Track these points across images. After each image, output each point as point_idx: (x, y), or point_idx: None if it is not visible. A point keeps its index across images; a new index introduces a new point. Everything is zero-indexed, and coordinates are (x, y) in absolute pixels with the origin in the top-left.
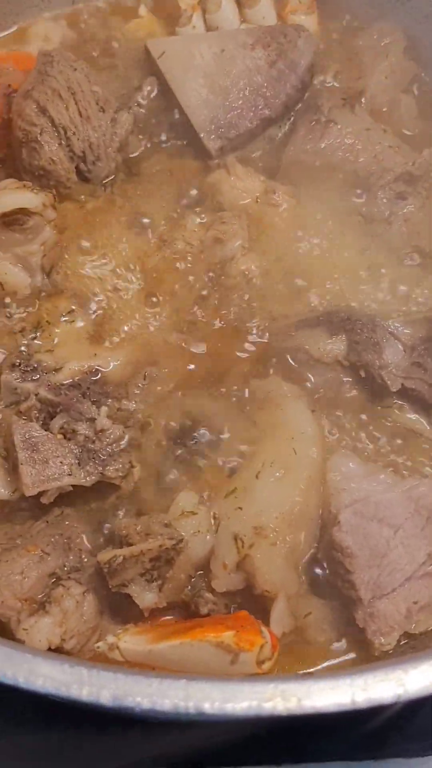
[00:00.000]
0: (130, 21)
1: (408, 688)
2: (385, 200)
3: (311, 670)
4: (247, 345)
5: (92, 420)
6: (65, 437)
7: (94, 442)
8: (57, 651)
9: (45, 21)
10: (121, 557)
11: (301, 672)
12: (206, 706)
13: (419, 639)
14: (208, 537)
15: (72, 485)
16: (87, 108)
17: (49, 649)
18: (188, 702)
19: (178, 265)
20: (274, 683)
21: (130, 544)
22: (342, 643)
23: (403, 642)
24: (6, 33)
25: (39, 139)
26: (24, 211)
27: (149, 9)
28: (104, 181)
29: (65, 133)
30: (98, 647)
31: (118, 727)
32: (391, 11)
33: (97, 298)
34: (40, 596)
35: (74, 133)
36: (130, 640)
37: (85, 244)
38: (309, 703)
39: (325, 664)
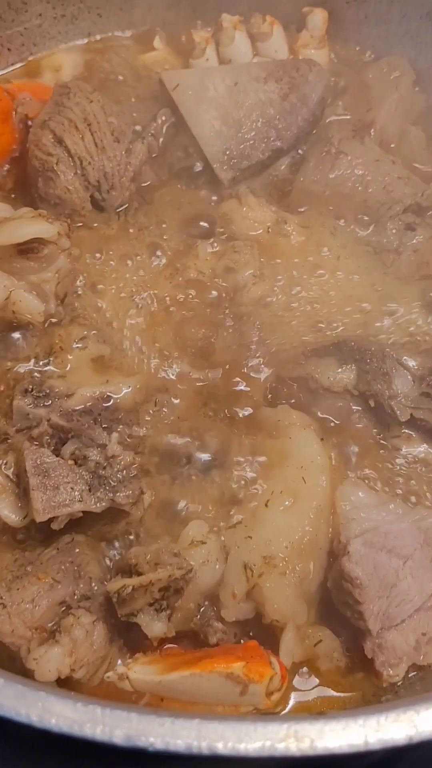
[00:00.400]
0: (146, 53)
1: (420, 729)
2: (394, 231)
3: (318, 695)
4: (257, 373)
5: (103, 446)
6: (76, 463)
7: (104, 468)
8: (67, 680)
9: (61, 52)
10: (131, 587)
11: (314, 712)
12: (219, 746)
13: (428, 670)
14: (217, 566)
15: (82, 511)
16: (102, 139)
17: (59, 679)
18: (201, 742)
19: (190, 293)
20: (287, 724)
21: (140, 573)
22: (351, 673)
23: (411, 673)
24: (23, 63)
25: (55, 168)
26: (39, 240)
27: (164, 41)
28: (118, 210)
29: (81, 162)
30: (108, 677)
31: (132, 765)
32: (399, 45)
33: (109, 325)
34: (50, 625)
35: (89, 163)
36: (140, 671)
37: (99, 271)
38: (322, 744)
39: (335, 695)
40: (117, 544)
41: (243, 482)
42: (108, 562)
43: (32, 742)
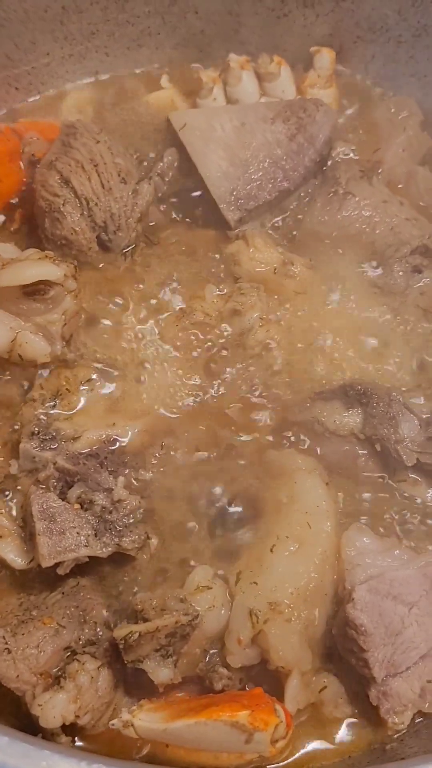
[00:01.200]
0: (153, 92)
1: None
2: (401, 273)
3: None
4: (263, 416)
5: (109, 490)
6: (82, 507)
7: (111, 512)
8: (71, 726)
9: (68, 91)
10: (137, 634)
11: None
12: None
13: None
14: (222, 611)
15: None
16: (109, 180)
17: (63, 725)
18: None
19: (196, 335)
20: None
21: (146, 620)
22: (356, 720)
23: (417, 720)
24: (30, 102)
25: (62, 209)
26: (45, 282)
27: (171, 81)
28: (124, 251)
29: (87, 204)
30: (113, 725)
31: None
32: (407, 85)
33: (115, 367)
34: (54, 670)
35: (96, 204)
36: (145, 718)
37: (105, 313)
38: None
39: (340, 742)
40: (122, 589)
41: (248, 527)
42: (113, 607)
43: None
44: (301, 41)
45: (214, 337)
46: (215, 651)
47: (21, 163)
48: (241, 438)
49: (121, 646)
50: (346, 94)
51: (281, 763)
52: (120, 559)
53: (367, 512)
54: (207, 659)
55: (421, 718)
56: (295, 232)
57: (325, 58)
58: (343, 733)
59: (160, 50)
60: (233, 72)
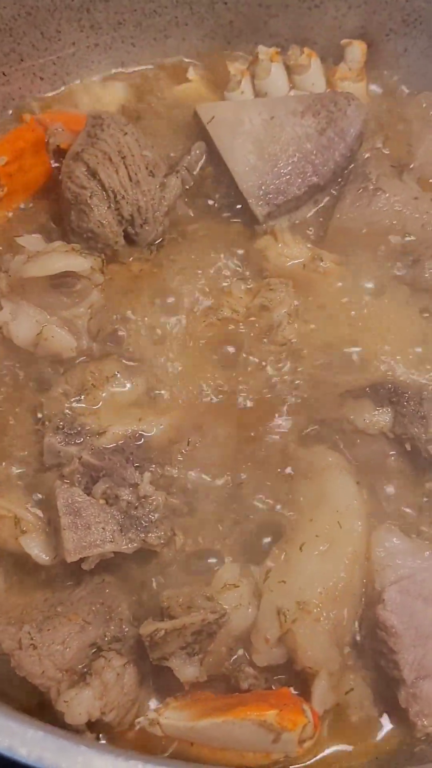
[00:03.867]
0: (179, 84)
1: None
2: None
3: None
4: (292, 414)
5: (135, 486)
6: (107, 503)
7: (136, 508)
8: (96, 723)
9: (94, 82)
10: (163, 631)
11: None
12: None
13: None
14: (249, 610)
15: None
16: (137, 172)
17: (89, 722)
18: None
19: (224, 331)
20: None
21: (172, 617)
22: (383, 722)
23: None
24: (55, 93)
25: (89, 201)
26: (72, 275)
27: (198, 73)
28: (151, 245)
29: (115, 196)
30: (139, 723)
31: None
32: None
33: (141, 362)
34: (80, 667)
35: (123, 197)
36: (172, 716)
37: (131, 307)
38: None
39: (366, 744)
40: (147, 585)
41: (277, 525)
42: (138, 603)
43: None
44: (331, 33)
45: (242, 333)
46: (241, 650)
47: (46, 155)
48: (270, 435)
49: (147, 644)
50: (376, 87)
51: (307, 763)
52: (145, 555)
53: (396, 512)
54: (233, 658)
55: None
56: (324, 228)
57: (356, 50)
58: (369, 735)
59: (188, 41)
60: (262, 64)
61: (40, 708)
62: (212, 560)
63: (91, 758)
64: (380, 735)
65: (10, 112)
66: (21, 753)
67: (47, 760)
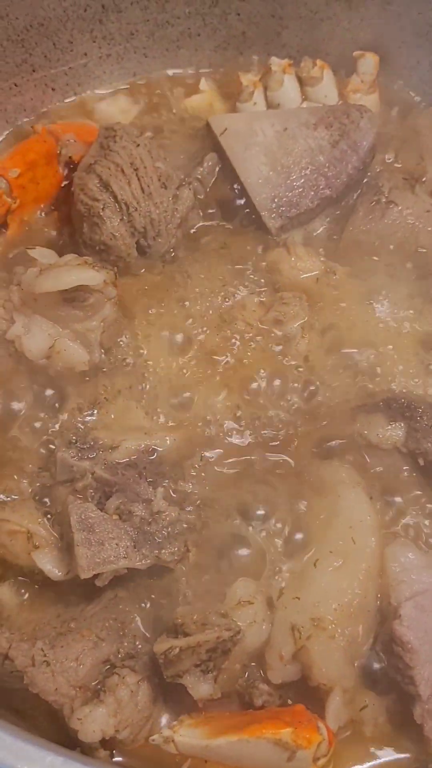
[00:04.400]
0: (192, 95)
1: None
2: None
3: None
4: (304, 428)
5: (148, 501)
6: (121, 518)
7: (150, 524)
8: (110, 740)
9: (106, 93)
10: (178, 649)
11: None
12: None
13: None
14: (264, 627)
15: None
16: (150, 184)
17: (102, 740)
18: None
19: (237, 344)
20: None
21: (186, 634)
22: (397, 739)
23: None
24: (66, 103)
25: (101, 214)
26: (85, 288)
27: (210, 84)
28: (164, 257)
29: (127, 209)
30: (153, 740)
31: None
32: None
33: (155, 376)
34: (93, 683)
35: (136, 209)
36: (186, 734)
37: (144, 320)
38: None
39: (380, 761)
40: (161, 602)
41: (290, 541)
42: (152, 620)
43: None
44: (344, 45)
45: (255, 347)
46: (255, 666)
47: (58, 166)
48: (282, 450)
49: (161, 661)
50: (388, 99)
51: None
52: (159, 571)
53: (410, 527)
54: (247, 675)
55: None
56: (337, 241)
57: (368, 62)
58: (384, 752)
59: (200, 52)
60: (275, 76)
61: (54, 725)
62: (226, 577)
63: None
64: (395, 752)
65: (23, 122)
66: None
67: None
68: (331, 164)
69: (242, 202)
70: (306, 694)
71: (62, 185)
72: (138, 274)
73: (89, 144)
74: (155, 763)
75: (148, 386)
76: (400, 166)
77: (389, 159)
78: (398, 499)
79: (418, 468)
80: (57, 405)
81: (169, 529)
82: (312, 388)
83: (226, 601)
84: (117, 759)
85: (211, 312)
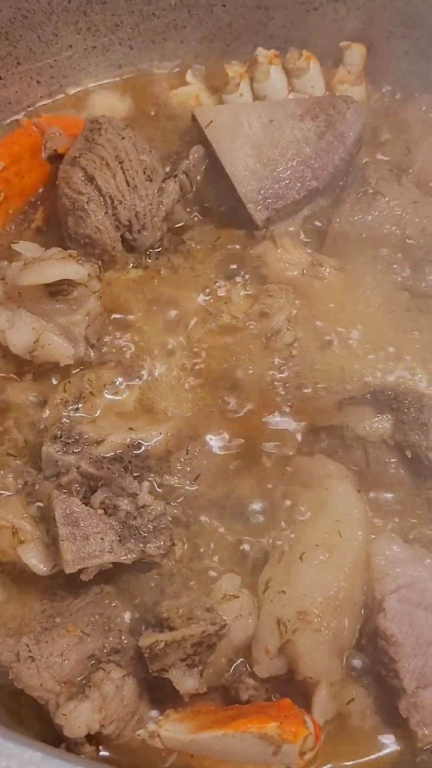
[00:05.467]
0: (178, 88)
1: None
2: None
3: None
4: (291, 421)
5: (134, 495)
6: (106, 513)
7: (135, 518)
8: (95, 735)
9: (92, 86)
10: (163, 643)
11: None
12: None
13: None
14: (250, 621)
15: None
16: (134, 177)
17: (87, 735)
18: None
19: (222, 338)
20: None
21: (172, 628)
22: (384, 732)
23: None
24: (51, 96)
25: (86, 207)
26: (69, 282)
27: (197, 76)
28: (149, 250)
29: (112, 202)
30: (139, 735)
31: None
32: None
33: (140, 370)
34: (79, 678)
35: (121, 202)
36: (171, 729)
37: (129, 314)
38: None
39: (368, 755)
40: (147, 596)
41: (277, 534)
42: (138, 614)
43: None
44: (331, 36)
45: (241, 340)
46: (241, 661)
47: (43, 159)
48: (269, 443)
49: (146, 655)
50: (375, 90)
51: None
52: (145, 565)
53: (396, 520)
54: (233, 669)
55: None
56: (323, 233)
57: (355, 53)
58: (370, 745)
59: (186, 44)
60: (261, 67)
61: (39, 720)
62: (212, 571)
63: None
64: (381, 745)
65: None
66: None
67: None
68: (317, 156)
69: (228, 194)
70: (293, 688)
71: (48, 179)
72: (123, 268)
73: (75, 137)
74: (141, 758)
75: (132, 380)
76: (387, 158)
77: (376, 150)
78: (385, 492)
79: (405, 460)
80: (42, 399)
81: (155, 523)
82: (298, 380)
83: (211, 596)
84: (103, 754)
85: (197, 305)
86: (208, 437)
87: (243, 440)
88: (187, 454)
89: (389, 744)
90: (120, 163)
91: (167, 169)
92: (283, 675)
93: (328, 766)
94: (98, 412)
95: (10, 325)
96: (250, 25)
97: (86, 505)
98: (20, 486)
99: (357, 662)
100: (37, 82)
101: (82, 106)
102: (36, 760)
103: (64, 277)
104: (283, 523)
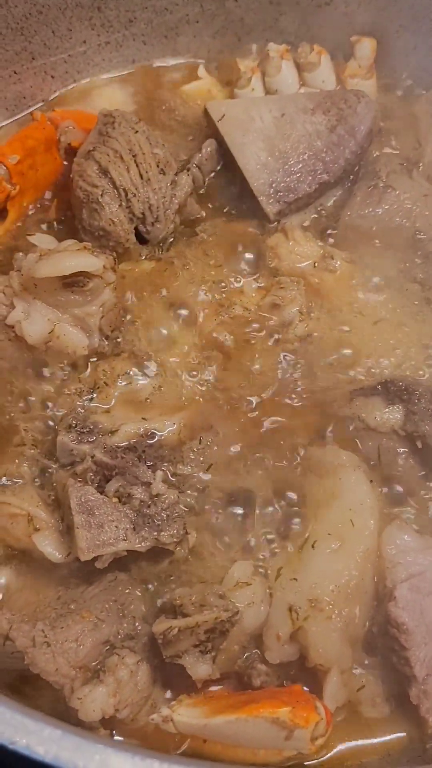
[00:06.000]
0: (190, 82)
1: None
2: None
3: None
4: (303, 412)
5: (148, 484)
6: (120, 501)
7: (149, 506)
8: (109, 720)
9: (105, 80)
10: (177, 629)
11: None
12: None
13: None
14: (262, 608)
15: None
16: (148, 170)
17: (102, 719)
18: None
19: (235, 329)
20: None
21: (185, 615)
22: (394, 719)
23: None
24: (65, 90)
25: (100, 200)
26: (84, 274)
27: (209, 71)
28: (163, 243)
29: (126, 194)
30: (152, 719)
31: None
32: None
33: (154, 361)
34: (93, 664)
35: (135, 195)
36: (185, 713)
37: (143, 305)
38: None
39: (378, 741)
40: (160, 584)
41: (289, 523)
42: (151, 601)
43: None
44: (341, 30)
45: (253, 332)
46: (253, 647)
47: (57, 153)
48: (281, 434)
49: (160, 641)
50: (385, 84)
51: (319, 760)
52: (158, 553)
53: (407, 509)
54: (245, 655)
55: None
56: (335, 226)
57: (366, 47)
58: (381, 732)
59: (198, 39)
60: (272, 61)
61: (55, 706)
62: (224, 558)
63: (108, 756)
64: (392, 732)
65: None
66: (38, 751)
67: (64, 759)
68: (328, 149)
69: (240, 187)
70: (304, 674)
71: (62, 172)
72: (137, 260)
73: (88, 131)
74: (155, 742)
75: (147, 371)
76: (397, 151)
77: (386, 144)
78: (396, 482)
79: (416, 450)
80: (57, 390)
81: (168, 511)
82: (310, 371)
83: (224, 583)
84: (117, 739)
85: (209, 297)
86: (220, 427)
87: (255, 430)
88: (200, 443)
89: (399, 731)
90: (134, 156)
91: (180, 162)
92: (295, 662)
93: (338, 750)
94: (112, 402)
95: (25, 316)
96: (262, 20)
97: (101, 493)
98: (35, 475)
99: (368, 650)
100: (52, 77)
101: (95, 101)
102: (56, 737)
103: (79, 268)
104: (295, 512)
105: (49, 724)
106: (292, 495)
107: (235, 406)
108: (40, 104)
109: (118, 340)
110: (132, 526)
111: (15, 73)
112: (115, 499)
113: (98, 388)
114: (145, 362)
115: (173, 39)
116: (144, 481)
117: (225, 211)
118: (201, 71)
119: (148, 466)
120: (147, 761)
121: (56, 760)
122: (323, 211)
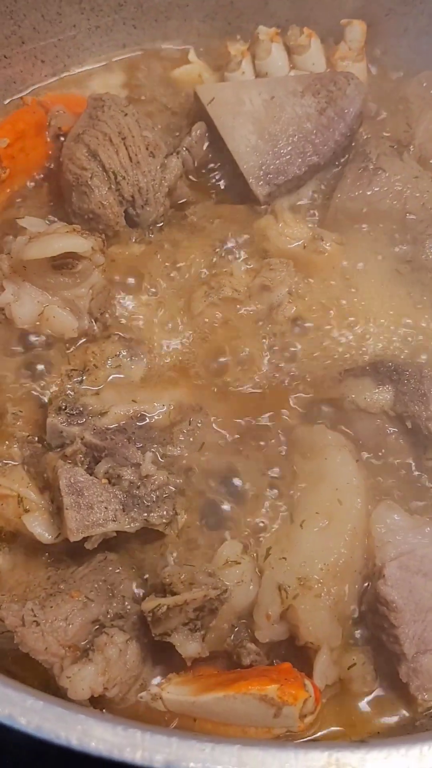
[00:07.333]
0: (180, 66)
1: None
2: None
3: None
4: (292, 393)
5: (137, 465)
6: (110, 482)
7: (138, 487)
8: (98, 699)
9: (95, 64)
10: (165, 606)
11: (355, 740)
12: None
13: None
14: (251, 587)
15: (116, 531)
16: (137, 153)
17: (92, 697)
18: None
19: (224, 311)
20: (328, 752)
21: (174, 593)
22: (384, 697)
23: None
24: (56, 74)
25: (89, 183)
26: (73, 255)
27: (199, 54)
28: (152, 226)
29: (115, 177)
30: (141, 697)
31: None
32: None
33: (143, 343)
34: (83, 643)
35: (124, 178)
36: (174, 691)
37: (133, 288)
38: None
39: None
40: (150, 564)
41: (277, 502)
42: (141, 580)
43: (72, 765)
44: (331, 13)
45: (243, 313)
46: (243, 626)
47: (47, 137)
48: (270, 414)
49: (149, 619)
50: (376, 67)
51: (309, 738)
52: (148, 533)
53: (397, 489)
54: (234, 634)
55: None
56: (325, 208)
57: (356, 30)
58: (371, 710)
59: (188, 23)
60: (262, 45)
61: (45, 686)
62: (214, 537)
63: (90, 727)
64: (382, 710)
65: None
66: (20, 722)
67: (46, 729)
68: (318, 131)
69: (230, 170)
70: (294, 653)
71: (52, 155)
72: (127, 243)
73: (79, 115)
74: (145, 722)
75: (136, 353)
76: (387, 133)
77: (377, 126)
78: (385, 462)
79: (405, 431)
80: (47, 372)
81: (158, 492)
82: (300, 353)
83: (213, 561)
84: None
85: (199, 279)
86: (209, 409)
87: (244, 411)
88: (189, 425)
89: (389, 708)
90: (123, 139)
91: (170, 145)
92: (285, 640)
93: (329, 729)
94: (102, 384)
95: (15, 299)
96: (252, 3)
97: (90, 474)
98: (25, 456)
99: (358, 628)
100: (42, 61)
101: (85, 85)
102: (38, 708)
103: (68, 249)
104: (283, 492)
105: (31, 694)
106: (281, 475)
107: (225, 388)
108: (31, 89)
109: (108, 322)
110: (121, 507)
111: (5, 57)
112: (104, 481)
113: (88, 370)
114: (134, 344)
115: (163, 23)
116: (133, 463)
117: (214, 193)
118: (191, 55)
119: (138, 448)
120: (129, 731)
121: (38, 731)
122: (313, 193)
